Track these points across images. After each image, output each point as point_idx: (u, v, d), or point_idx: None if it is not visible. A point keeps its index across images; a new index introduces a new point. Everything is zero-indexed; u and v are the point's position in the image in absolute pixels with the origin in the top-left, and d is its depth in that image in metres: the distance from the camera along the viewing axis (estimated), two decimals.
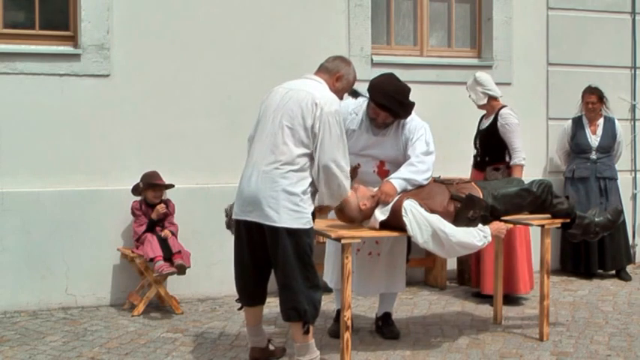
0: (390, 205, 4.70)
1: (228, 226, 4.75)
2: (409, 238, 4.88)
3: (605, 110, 7.26)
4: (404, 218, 4.60)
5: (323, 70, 4.58)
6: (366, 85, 5.06)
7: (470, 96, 6.17)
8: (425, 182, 4.86)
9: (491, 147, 6.12)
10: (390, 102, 4.83)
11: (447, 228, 4.62)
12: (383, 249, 5.14)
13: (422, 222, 4.60)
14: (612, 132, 7.26)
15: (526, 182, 5.24)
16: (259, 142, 4.43)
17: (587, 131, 7.23)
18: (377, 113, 4.89)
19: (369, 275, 5.14)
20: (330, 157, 4.28)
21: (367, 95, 4.96)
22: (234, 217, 4.53)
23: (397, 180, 4.80)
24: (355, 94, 4.99)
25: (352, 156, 4.71)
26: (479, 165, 6.24)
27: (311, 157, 4.33)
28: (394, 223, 4.67)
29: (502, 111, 6.06)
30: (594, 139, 7.21)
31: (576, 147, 7.26)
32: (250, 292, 4.62)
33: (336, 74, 4.55)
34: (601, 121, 7.25)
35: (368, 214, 4.73)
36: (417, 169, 4.85)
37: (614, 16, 7.75)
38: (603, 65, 7.65)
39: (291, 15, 6.63)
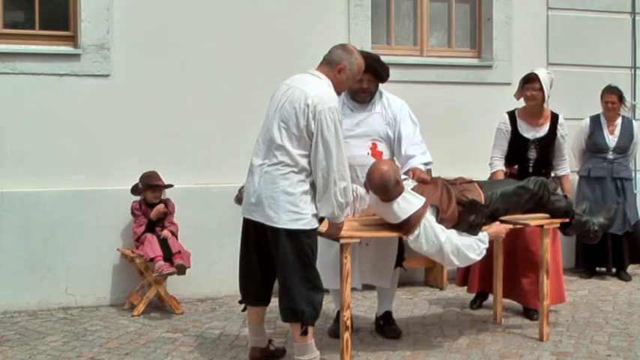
0: (410, 213, 4.60)
1: (238, 201, 4.83)
2: (401, 243, 5.02)
3: (623, 109, 7.23)
4: (417, 229, 4.56)
5: (324, 63, 4.52)
6: None
7: (546, 95, 5.75)
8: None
9: (548, 158, 5.84)
10: (371, 61, 4.91)
11: (452, 246, 4.60)
12: (372, 239, 5.09)
13: (430, 237, 4.57)
14: (630, 132, 7.21)
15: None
16: (262, 142, 4.43)
17: (605, 131, 7.18)
18: (360, 79, 4.87)
19: (356, 264, 5.07)
20: (326, 167, 4.23)
21: None
22: (242, 214, 4.55)
23: (422, 165, 4.99)
24: None
25: (346, 139, 4.62)
26: (530, 175, 5.58)
27: (309, 157, 4.32)
28: (401, 223, 4.64)
29: (561, 120, 5.86)
30: (612, 139, 7.16)
31: (593, 146, 7.20)
32: (256, 292, 4.63)
33: (338, 66, 4.47)
34: (619, 121, 7.21)
35: (394, 192, 4.60)
36: (423, 150, 5.06)
37: (614, 16, 7.75)
38: (603, 65, 7.64)
39: (291, 15, 6.62)
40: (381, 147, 5.05)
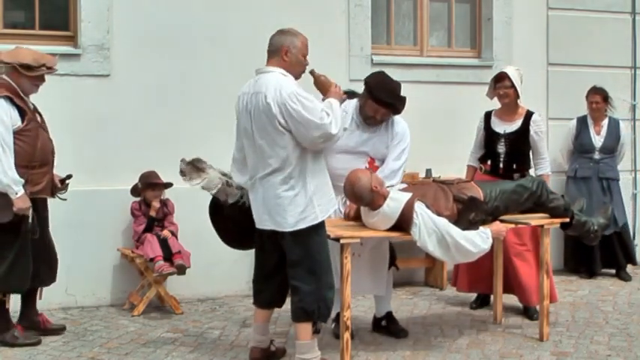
0: (402, 206, 4.65)
1: (183, 173, 4.83)
2: (391, 244, 5.01)
3: (610, 110, 7.25)
4: (414, 220, 4.58)
5: (270, 54, 4.48)
6: (362, 84, 5.08)
7: (519, 92, 5.76)
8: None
9: (520, 153, 5.83)
10: (394, 99, 4.95)
11: (454, 232, 4.60)
12: (364, 250, 5.10)
13: (430, 226, 4.58)
14: (616, 133, 7.25)
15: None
16: (250, 155, 4.46)
17: (592, 131, 7.23)
18: (377, 111, 4.96)
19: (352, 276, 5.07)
20: (312, 136, 4.25)
21: (361, 94, 5.06)
22: (257, 226, 4.53)
23: None
24: (353, 95, 5.06)
25: (344, 154, 4.90)
26: (501, 172, 5.78)
27: (299, 149, 4.32)
28: (398, 222, 4.65)
29: (535, 117, 5.85)
30: (598, 140, 7.21)
31: (579, 146, 7.25)
32: (270, 296, 4.67)
33: (282, 50, 4.41)
34: (605, 121, 7.25)
35: (374, 200, 4.66)
36: (391, 182, 4.94)
37: (614, 16, 7.75)
38: (603, 65, 7.65)
39: (291, 15, 6.60)
40: (378, 163, 5.11)
